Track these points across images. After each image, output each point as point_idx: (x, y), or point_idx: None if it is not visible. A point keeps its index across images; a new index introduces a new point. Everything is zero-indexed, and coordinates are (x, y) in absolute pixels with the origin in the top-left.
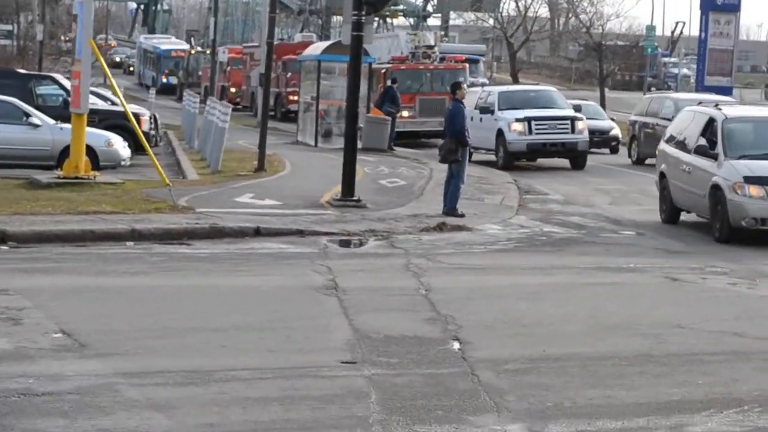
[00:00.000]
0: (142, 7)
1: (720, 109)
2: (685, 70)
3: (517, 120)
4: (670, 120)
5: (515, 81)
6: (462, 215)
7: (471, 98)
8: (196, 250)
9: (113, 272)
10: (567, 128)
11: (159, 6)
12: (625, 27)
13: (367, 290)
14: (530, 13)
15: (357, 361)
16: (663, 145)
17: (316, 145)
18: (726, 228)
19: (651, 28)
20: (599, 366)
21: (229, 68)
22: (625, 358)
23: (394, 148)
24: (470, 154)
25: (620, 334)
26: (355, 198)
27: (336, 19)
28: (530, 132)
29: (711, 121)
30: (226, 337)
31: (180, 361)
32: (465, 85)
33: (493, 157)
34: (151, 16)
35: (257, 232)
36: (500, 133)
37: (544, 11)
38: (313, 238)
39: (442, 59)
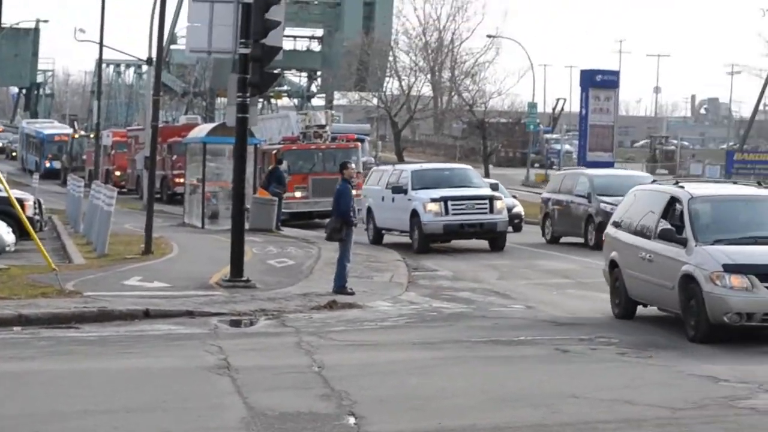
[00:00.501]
0: (24, 91)
1: (682, 187)
2: (567, 146)
3: (433, 200)
4: (585, 197)
5: (400, 159)
6: (352, 293)
7: (382, 177)
8: (85, 334)
9: (1, 358)
10: (485, 208)
11: (41, 90)
12: (508, 104)
13: (259, 369)
14: (413, 92)
15: None
16: (612, 231)
17: (203, 227)
18: (704, 325)
19: (532, 105)
20: None
21: (113, 152)
22: (520, 429)
23: (282, 228)
24: (381, 236)
25: (513, 405)
26: (244, 278)
27: (220, 100)
28: (446, 212)
29: (673, 201)
30: (119, 419)
31: None
32: (352, 165)
33: (407, 239)
34: (33, 101)
35: (147, 315)
36: (414, 214)
37: (427, 90)
38: (203, 318)
39: (334, 139)
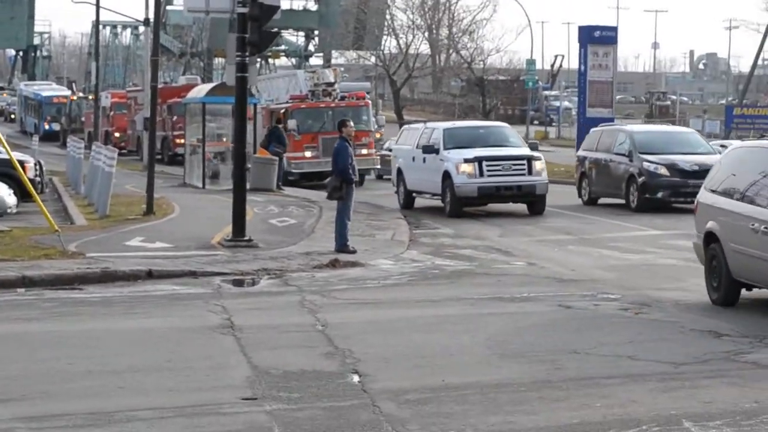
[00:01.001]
0: (21, 53)
1: None
2: (566, 103)
3: (466, 160)
4: (625, 155)
5: (399, 118)
6: (354, 251)
7: (412, 135)
8: (89, 295)
9: (5, 319)
10: (523, 169)
11: (38, 52)
12: (506, 61)
13: (263, 328)
14: (411, 51)
15: (258, 397)
16: (709, 197)
17: (203, 187)
18: None
19: (531, 62)
20: (498, 393)
21: (112, 113)
22: (523, 385)
23: (283, 188)
24: (413, 199)
25: (517, 361)
26: (246, 238)
27: (218, 61)
28: (481, 174)
29: None
30: (125, 378)
31: (79, 404)
32: (351, 123)
33: (438, 203)
34: (31, 63)
35: (150, 275)
36: (447, 176)
37: (425, 48)
38: (206, 278)
39: (343, 97)
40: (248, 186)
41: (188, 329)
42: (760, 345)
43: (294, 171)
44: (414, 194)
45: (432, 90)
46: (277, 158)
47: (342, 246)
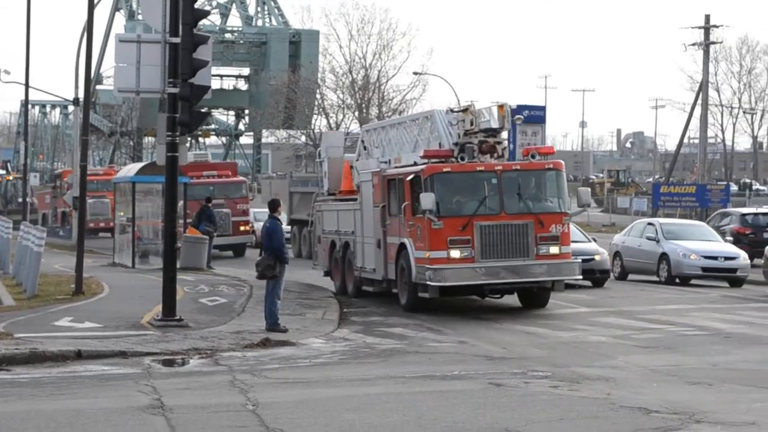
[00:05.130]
0: None
1: None
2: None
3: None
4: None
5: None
6: (285, 330)
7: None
8: (17, 376)
9: None
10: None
11: None
12: None
13: (194, 408)
14: (342, 129)
15: None
16: None
17: (133, 267)
18: None
19: None
20: None
21: (69, 192)
22: None
23: (213, 267)
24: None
25: None
26: (176, 317)
27: (147, 140)
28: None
29: None
30: None
31: None
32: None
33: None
34: None
35: (79, 356)
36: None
37: (355, 127)
38: (136, 358)
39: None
40: (178, 265)
41: (118, 410)
42: (690, 422)
43: (430, 283)
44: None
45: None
46: (207, 237)
47: (273, 325)
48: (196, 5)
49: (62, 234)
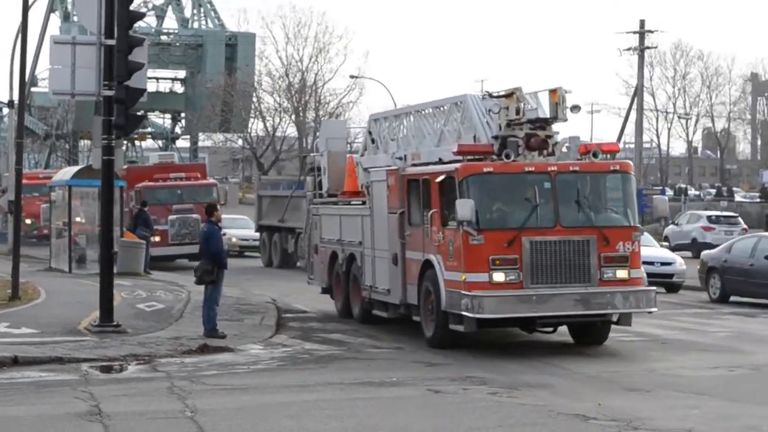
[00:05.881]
0: None
1: None
2: None
3: None
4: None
5: None
6: (223, 336)
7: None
8: None
9: None
10: None
11: None
12: None
13: (132, 415)
14: (279, 133)
15: None
16: None
17: (70, 271)
18: None
19: None
20: None
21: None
22: None
23: (150, 272)
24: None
25: None
26: (114, 323)
27: (83, 143)
28: None
29: None
30: None
31: None
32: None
33: None
34: None
35: (15, 362)
36: None
37: (292, 130)
38: (73, 365)
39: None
40: (115, 270)
41: (55, 417)
42: (627, 428)
43: (466, 313)
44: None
45: (299, 172)
46: (144, 242)
47: (211, 331)
48: (132, 7)
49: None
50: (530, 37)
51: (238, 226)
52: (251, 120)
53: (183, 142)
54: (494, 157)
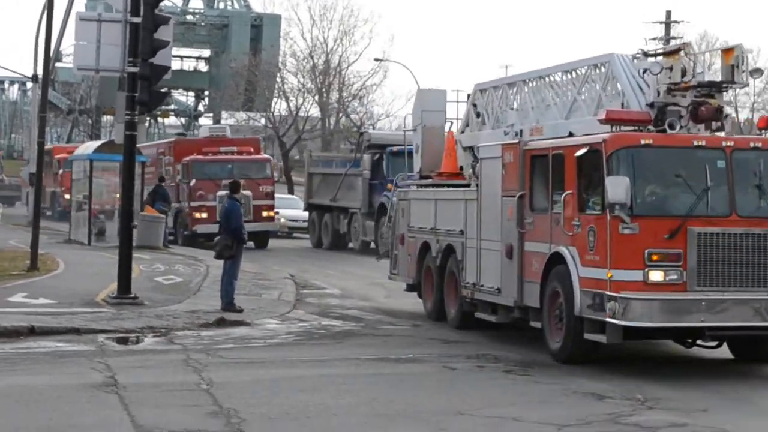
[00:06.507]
0: None
1: None
2: None
3: None
4: None
5: (288, 179)
6: (240, 310)
7: None
8: None
9: None
10: None
11: None
12: (396, 126)
13: (147, 386)
14: (301, 113)
15: None
16: None
17: (89, 244)
18: None
19: None
20: None
21: (61, 171)
22: None
23: (170, 245)
24: None
25: (401, 422)
26: (131, 295)
27: (106, 118)
28: None
29: None
30: None
31: None
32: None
33: None
34: None
35: (32, 331)
36: None
37: (315, 111)
38: (90, 336)
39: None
40: (134, 243)
41: (71, 387)
42: (642, 408)
43: (611, 320)
44: None
45: (321, 152)
46: (163, 216)
47: (228, 305)
48: None
49: (49, 215)
50: (555, 25)
51: (288, 206)
52: (274, 99)
53: (206, 120)
54: (651, 128)
